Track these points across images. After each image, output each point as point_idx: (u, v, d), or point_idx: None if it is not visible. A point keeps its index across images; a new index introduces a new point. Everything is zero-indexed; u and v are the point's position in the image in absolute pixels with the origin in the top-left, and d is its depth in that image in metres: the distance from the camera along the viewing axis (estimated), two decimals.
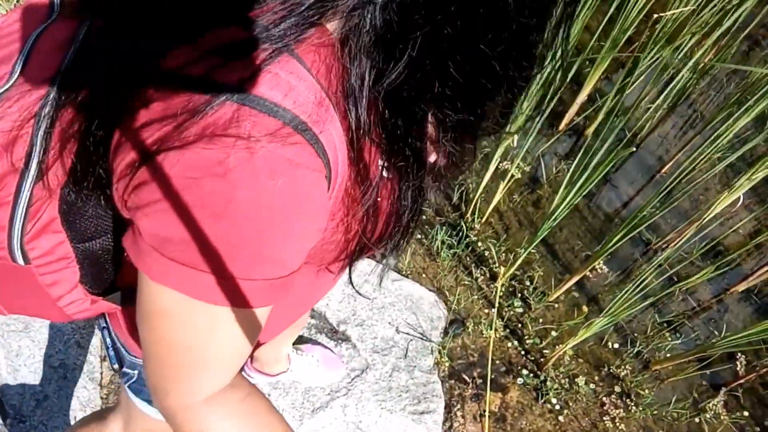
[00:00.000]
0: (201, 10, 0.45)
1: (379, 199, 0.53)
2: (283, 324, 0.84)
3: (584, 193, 1.60)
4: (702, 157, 2.28)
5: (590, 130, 2.40)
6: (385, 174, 0.52)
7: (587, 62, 2.35)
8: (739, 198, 1.82)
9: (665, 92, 2.26)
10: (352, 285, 0.66)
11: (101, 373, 1.67)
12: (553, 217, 1.65)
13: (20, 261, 0.55)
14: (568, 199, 1.59)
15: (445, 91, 0.47)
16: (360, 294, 1.81)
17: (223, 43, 0.43)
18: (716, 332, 2.04)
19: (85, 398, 1.59)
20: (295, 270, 0.50)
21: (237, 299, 0.47)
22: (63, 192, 0.52)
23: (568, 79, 1.94)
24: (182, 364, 0.52)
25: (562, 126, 2.40)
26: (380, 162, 0.52)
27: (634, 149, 2.28)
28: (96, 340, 1.70)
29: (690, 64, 2.06)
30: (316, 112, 0.44)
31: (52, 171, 0.51)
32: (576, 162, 1.59)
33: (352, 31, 0.45)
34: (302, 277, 0.55)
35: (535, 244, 1.78)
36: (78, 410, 1.56)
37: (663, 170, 2.33)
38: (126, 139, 0.45)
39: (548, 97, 1.70)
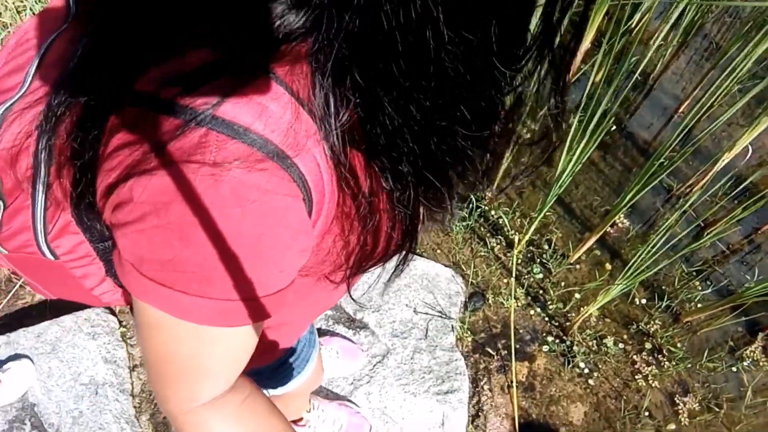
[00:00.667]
0: (176, 30, 0.44)
1: (377, 213, 0.52)
2: (292, 336, 0.85)
3: (595, 146, 1.52)
4: (720, 90, 2.15)
5: (599, 77, 2.28)
6: (385, 185, 0.51)
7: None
8: (760, 134, 1.71)
9: (676, 26, 2.12)
10: (351, 297, 0.66)
11: (132, 384, 1.72)
12: (565, 176, 1.58)
13: (50, 257, 0.60)
14: (578, 154, 1.52)
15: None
16: (357, 303, 1.79)
17: (194, 66, 0.43)
18: (748, 276, 1.96)
19: (118, 411, 1.64)
20: (281, 289, 0.50)
21: (216, 318, 0.48)
22: (70, 201, 0.55)
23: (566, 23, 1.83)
24: (179, 373, 0.53)
25: (569, 77, 2.29)
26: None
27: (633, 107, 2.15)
28: (122, 353, 1.75)
29: None
30: (292, 134, 0.44)
31: (55, 184, 0.53)
32: (587, 112, 1.51)
33: (313, 55, 0.43)
34: (305, 289, 0.57)
35: (549, 205, 1.72)
36: (112, 423, 1.62)
37: (680, 109, 2.20)
38: (104, 161, 0.46)
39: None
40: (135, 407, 1.68)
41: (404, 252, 0.58)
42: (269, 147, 0.42)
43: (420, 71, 0.42)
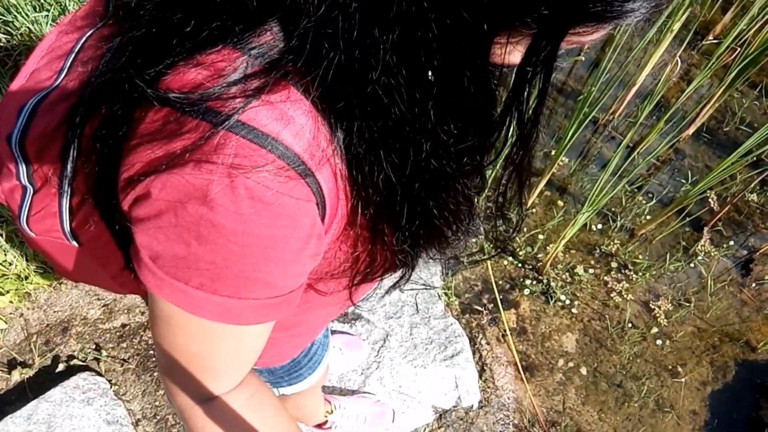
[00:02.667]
0: (200, 31, 0.45)
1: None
2: (307, 339, 0.86)
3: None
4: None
5: None
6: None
7: None
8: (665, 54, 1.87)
9: None
10: (354, 304, 0.68)
11: None
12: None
13: (74, 243, 0.62)
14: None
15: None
16: (356, 307, 1.81)
17: (219, 68, 0.44)
18: (682, 180, 2.15)
19: None
20: (292, 290, 0.51)
21: (227, 315, 0.49)
22: (93, 191, 0.56)
23: None
24: (188, 367, 0.54)
25: None
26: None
27: (583, 58, 2.29)
28: (122, 411, 1.68)
29: None
30: (314, 145, 0.45)
31: (81, 174, 0.54)
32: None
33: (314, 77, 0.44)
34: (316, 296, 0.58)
35: (498, 165, 1.80)
36: None
37: (585, 46, 2.36)
38: (126, 157, 0.47)
39: None
40: None
41: (405, 270, 0.60)
42: (290, 155, 0.44)
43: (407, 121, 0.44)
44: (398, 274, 0.61)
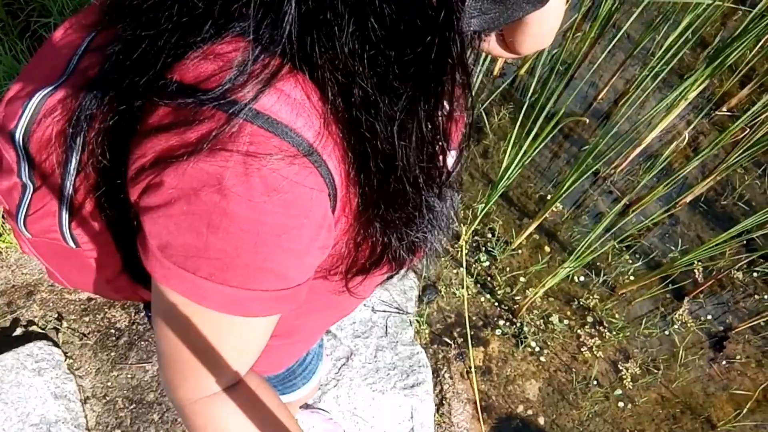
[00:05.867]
0: (202, 20, 0.45)
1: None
2: (302, 347, 0.86)
3: (543, 144, 1.60)
4: (635, 77, 2.32)
5: (523, 70, 2.39)
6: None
7: None
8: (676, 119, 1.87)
9: (588, 17, 2.26)
10: (349, 290, 0.66)
11: (86, 417, 1.63)
12: (509, 172, 1.65)
13: (71, 244, 0.61)
14: (520, 155, 1.59)
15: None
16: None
17: (230, 57, 0.44)
18: (672, 246, 2.14)
19: None
20: (299, 284, 0.51)
21: (234, 307, 0.49)
22: (97, 186, 0.55)
23: None
24: (190, 362, 0.54)
25: (496, 71, 2.38)
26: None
27: (587, 120, 2.29)
28: (72, 386, 1.65)
29: None
30: (324, 134, 0.46)
31: (84, 171, 0.54)
32: (521, 114, 1.58)
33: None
34: (316, 295, 0.59)
35: (494, 199, 1.79)
36: None
37: (599, 96, 2.35)
38: (136, 148, 0.47)
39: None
40: None
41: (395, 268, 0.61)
42: (303, 144, 0.44)
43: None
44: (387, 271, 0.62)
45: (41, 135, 0.54)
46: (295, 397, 1.02)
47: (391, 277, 0.66)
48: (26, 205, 0.59)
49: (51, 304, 1.76)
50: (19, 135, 0.55)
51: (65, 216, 0.58)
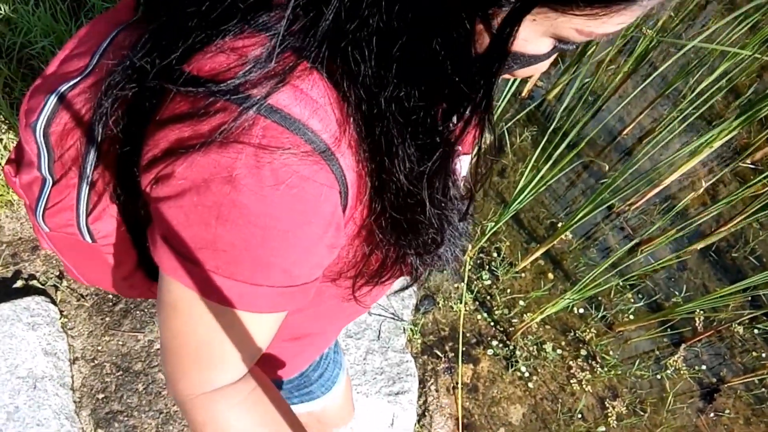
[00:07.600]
0: (219, 13, 0.45)
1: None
2: (313, 350, 0.86)
3: (562, 172, 1.59)
4: (663, 117, 2.30)
5: (552, 95, 2.38)
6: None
7: None
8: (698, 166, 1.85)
9: (623, 52, 2.25)
10: (355, 298, 0.66)
11: (72, 377, 1.65)
12: (524, 195, 1.65)
13: (88, 239, 0.61)
14: (537, 179, 1.59)
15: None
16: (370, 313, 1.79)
17: (246, 52, 0.44)
18: (676, 291, 2.12)
19: (57, 405, 1.57)
20: (307, 282, 0.51)
21: (241, 301, 0.49)
22: (114, 177, 0.55)
23: None
24: (193, 357, 0.54)
25: (524, 92, 2.37)
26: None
27: (606, 166, 2.27)
28: (63, 345, 1.67)
29: (650, 24, 2.04)
30: (340, 133, 0.46)
31: (102, 164, 0.54)
32: (544, 139, 1.58)
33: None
34: (323, 297, 0.60)
35: (505, 219, 1.79)
36: (52, 418, 1.55)
37: (624, 132, 2.34)
38: (150, 137, 0.47)
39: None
40: (75, 402, 1.62)
41: (411, 278, 0.61)
42: (317, 141, 0.44)
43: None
44: (404, 280, 0.62)
45: (62, 127, 0.55)
46: (315, 406, 1.00)
47: (404, 289, 0.66)
48: (45, 199, 0.60)
49: (54, 262, 1.78)
50: (39, 127, 0.55)
51: (83, 210, 0.58)
